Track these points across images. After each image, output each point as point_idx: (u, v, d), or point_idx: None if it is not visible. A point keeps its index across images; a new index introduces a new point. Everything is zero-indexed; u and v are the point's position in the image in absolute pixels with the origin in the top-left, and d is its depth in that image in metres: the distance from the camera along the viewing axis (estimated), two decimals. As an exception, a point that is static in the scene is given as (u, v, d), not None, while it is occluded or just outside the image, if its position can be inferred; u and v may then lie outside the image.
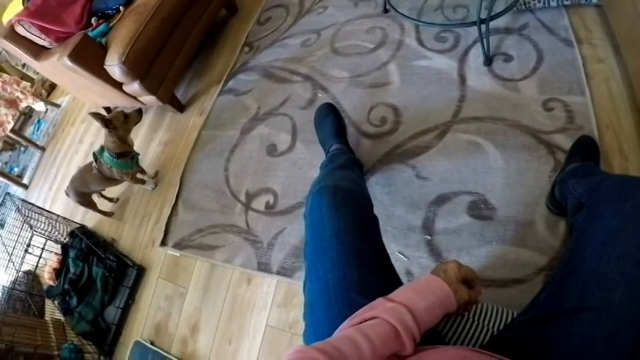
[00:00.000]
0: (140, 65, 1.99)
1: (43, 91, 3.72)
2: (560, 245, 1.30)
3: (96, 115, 1.69)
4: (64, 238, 2.21)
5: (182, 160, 2.12)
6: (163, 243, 1.91)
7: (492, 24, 1.71)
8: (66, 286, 2.03)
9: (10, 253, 1.95)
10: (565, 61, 1.62)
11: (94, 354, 1.79)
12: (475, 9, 1.61)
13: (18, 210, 2.11)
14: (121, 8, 2.14)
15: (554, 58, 1.65)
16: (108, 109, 2.67)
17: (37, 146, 3.27)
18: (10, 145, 3.60)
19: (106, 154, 1.84)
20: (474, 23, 1.65)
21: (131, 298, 1.87)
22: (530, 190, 1.42)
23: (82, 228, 2.24)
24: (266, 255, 1.66)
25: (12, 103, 3.01)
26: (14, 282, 2.08)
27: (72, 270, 2.05)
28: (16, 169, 3.44)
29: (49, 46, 2.19)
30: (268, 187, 1.82)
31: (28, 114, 3.82)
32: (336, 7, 2.27)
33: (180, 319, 1.72)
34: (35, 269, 1.89)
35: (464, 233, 1.42)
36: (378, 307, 0.65)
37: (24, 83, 3.12)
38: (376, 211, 1.41)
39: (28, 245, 1.79)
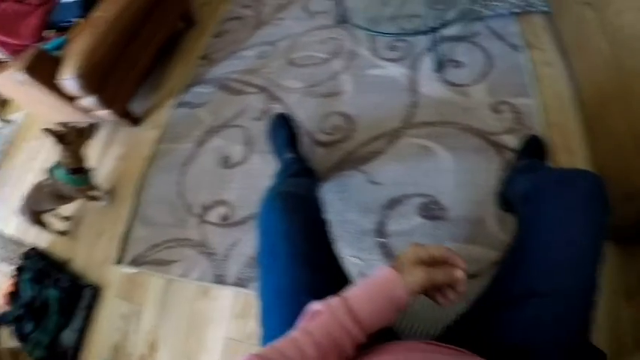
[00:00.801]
0: (95, 79, 1.96)
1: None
2: (510, 240, 1.29)
3: (49, 131, 1.65)
4: (18, 260, 2.12)
5: (137, 174, 2.09)
6: (119, 261, 1.86)
7: (444, 32, 1.77)
8: (20, 311, 1.93)
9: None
10: (514, 66, 1.68)
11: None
12: (429, 20, 1.65)
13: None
14: (78, 21, 2.10)
15: (503, 63, 1.70)
16: (63, 125, 2.60)
17: None
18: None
19: (60, 170, 1.80)
20: (425, 32, 1.68)
21: (87, 319, 1.80)
22: (480, 189, 1.44)
23: (35, 249, 2.17)
24: (222, 267, 1.64)
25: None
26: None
27: (26, 293, 1.96)
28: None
29: (4, 59, 2.15)
30: (223, 199, 1.81)
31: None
32: (293, 19, 2.31)
33: (138, 337, 1.67)
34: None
35: (416, 234, 1.44)
36: (326, 304, 0.63)
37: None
38: (330, 217, 1.41)
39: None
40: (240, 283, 1.56)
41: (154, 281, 1.75)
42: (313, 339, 0.58)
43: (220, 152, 1.94)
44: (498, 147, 1.50)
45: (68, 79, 1.89)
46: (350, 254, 1.46)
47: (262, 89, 2.06)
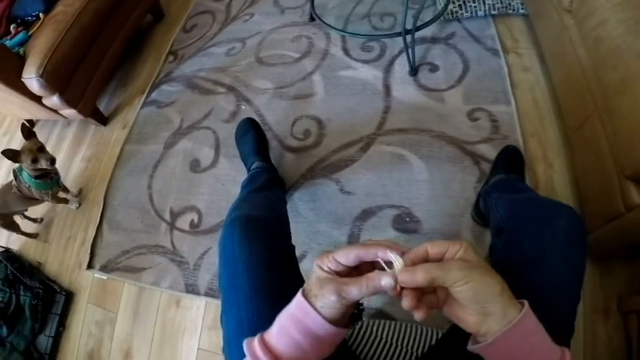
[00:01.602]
0: (59, 78, 1.74)
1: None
2: (486, 255, 1.18)
3: (4, 153, 1.48)
4: None
5: (106, 177, 1.88)
6: (90, 266, 1.69)
7: (419, 33, 1.59)
8: None
9: None
10: (491, 71, 1.54)
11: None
12: (402, 20, 1.49)
13: None
14: (41, 15, 1.86)
15: (479, 67, 1.56)
16: (31, 122, 2.42)
17: None
18: None
19: (25, 173, 1.61)
20: (399, 34, 1.58)
21: (62, 325, 1.67)
22: (455, 201, 1.35)
23: (7, 252, 1.96)
24: (193, 276, 1.48)
25: None
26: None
27: None
28: None
29: None
30: (192, 205, 1.62)
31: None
32: (263, 15, 2.09)
33: (112, 345, 1.54)
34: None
35: None
36: (250, 347, 0.51)
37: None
38: (301, 227, 1.30)
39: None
40: (211, 293, 1.42)
41: (126, 288, 1.60)
42: None
43: (189, 155, 1.74)
44: (474, 157, 1.37)
45: (30, 79, 1.67)
46: None
47: (231, 89, 1.85)
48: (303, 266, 1.31)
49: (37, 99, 1.83)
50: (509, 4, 1.66)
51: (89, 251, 1.72)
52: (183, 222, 1.61)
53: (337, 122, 1.61)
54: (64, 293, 1.70)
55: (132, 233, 1.68)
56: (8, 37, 1.85)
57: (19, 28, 1.90)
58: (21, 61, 1.73)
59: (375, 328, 0.89)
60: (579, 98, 1.21)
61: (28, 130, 1.55)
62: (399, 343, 0.85)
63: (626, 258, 1.16)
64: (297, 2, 2.06)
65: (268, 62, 1.89)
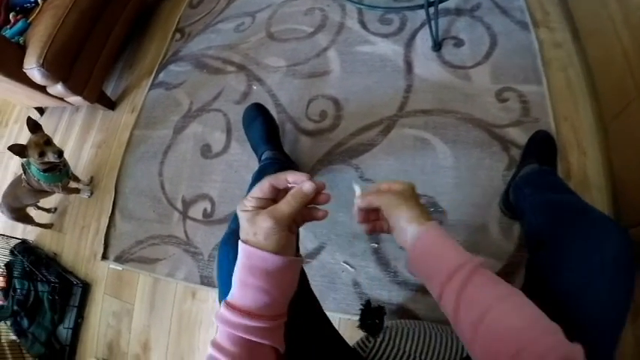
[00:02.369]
0: (61, 66, 1.67)
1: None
2: (514, 249, 1.13)
3: (11, 148, 1.44)
4: (6, 256, 1.95)
5: (116, 164, 1.82)
6: (104, 256, 1.66)
7: (442, 5, 1.44)
8: (15, 307, 1.81)
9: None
10: (520, 46, 1.38)
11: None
12: None
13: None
14: (40, 1, 1.79)
15: (508, 42, 1.40)
16: (40, 109, 2.33)
17: None
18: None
19: (33, 166, 1.57)
20: (421, 6, 1.44)
21: (80, 317, 1.67)
22: (482, 190, 1.24)
23: (24, 243, 1.97)
24: (208, 268, 1.43)
25: None
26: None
27: (18, 290, 1.83)
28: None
29: None
30: (205, 194, 1.55)
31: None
32: None
33: (130, 336, 1.53)
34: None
35: None
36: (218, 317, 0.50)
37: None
38: None
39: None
40: None
41: (141, 279, 1.57)
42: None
43: (200, 140, 1.65)
44: (503, 141, 1.24)
45: (32, 69, 1.61)
46: (341, 260, 1.25)
47: (241, 68, 1.73)
48: (322, 258, 1.26)
49: (42, 88, 1.77)
50: None
51: (103, 242, 1.69)
52: (196, 211, 1.54)
53: (355, 102, 1.49)
54: (80, 285, 1.68)
55: (145, 223, 1.63)
56: (8, 27, 1.79)
57: (19, 16, 1.84)
58: (21, 51, 1.67)
59: (397, 341, 0.82)
60: (619, 83, 1.07)
61: (33, 123, 1.50)
62: (423, 358, 0.79)
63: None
64: (310, -30, 1.89)
65: (280, 38, 1.76)
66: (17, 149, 1.44)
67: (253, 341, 0.48)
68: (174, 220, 1.57)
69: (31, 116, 1.55)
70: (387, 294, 1.20)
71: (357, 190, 0.67)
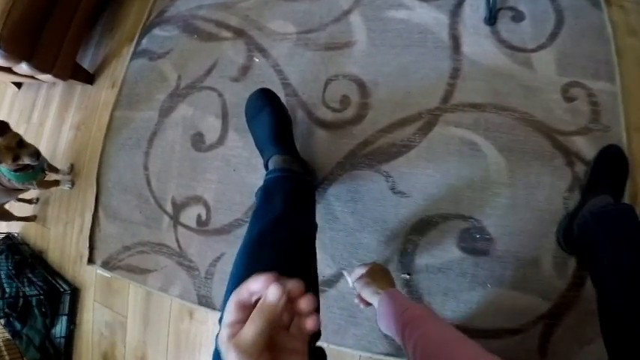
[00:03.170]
0: (21, 43, 1.38)
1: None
2: (566, 288, 0.97)
3: None
4: None
5: (97, 150, 1.55)
6: (90, 260, 1.47)
7: None
8: (6, 310, 1.68)
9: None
10: (591, 29, 1.08)
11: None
12: None
13: None
14: None
15: (576, 21, 1.09)
16: (17, 83, 2.00)
17: None
18: None
19: (2, 167, 1.35)
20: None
21: (72, 323, 1.53)
22: (539, 216, 1.01)
23: (8, 238, 1.79)
24: (205, 286, 1.24)
25: None
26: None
27: (7, 291, 1.70)
28: None
29: None
30: (198, 196, 1.30)
31: None
32: None
33: (126, 350, 1.40)
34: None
35: (452, 272, 1.03)
36: None
37: None
38: (338, 237, 1.14)
39: None
40: None
41: (132, 290, 1.40)
42: None
43: (190, 127, 1.37)
44: (567, 154, 1.01)
45: None
46: None
47: (240, 33, 1.39)
48: (341, 288, 1.05)
49: (7, 68, 1.49)
50: None
51: (88, 243, 1.49)
52: (189, 217, 1.32)
53: (387, 87, 1.19)
54: (68, 292, 1.54)
55: (131, 225, 1.42)
56: None
57: None
58: None
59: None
60: None
61: (1, 125, 1.29)
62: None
63: None
64: None
65: None
66: None
67: None
68: (164, 226, 1.34)
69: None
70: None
71: (348, 279, 0.98)
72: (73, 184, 1.60)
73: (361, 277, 0.92)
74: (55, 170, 1.56)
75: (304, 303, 0.38)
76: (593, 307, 0.96)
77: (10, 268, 1.65)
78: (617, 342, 0.68)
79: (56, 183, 1.57)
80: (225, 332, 0.37)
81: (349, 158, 1.16)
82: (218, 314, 1.19)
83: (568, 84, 1.07)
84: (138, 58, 1.57)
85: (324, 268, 1.11)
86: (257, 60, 1.33)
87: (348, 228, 1.11)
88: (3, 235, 1.77)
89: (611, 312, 0.71)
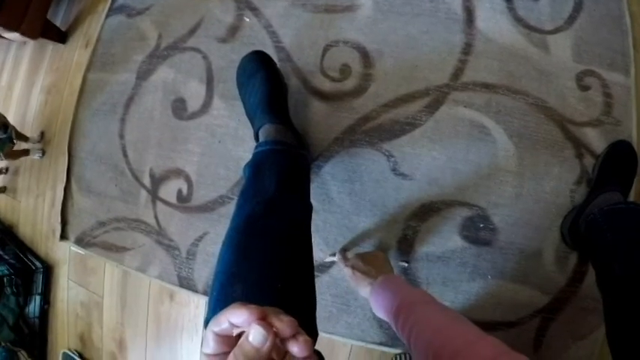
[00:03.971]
0: None
1: None
2: (565, 284, 0.96)
3: None
4: None
5: (69, 116, 1.41)
6: (63, 236, 1.36)
7: None
8: None
9: None
10: (609, 17, 1.03)
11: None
12: None
13: None
14: None
15: (596, 7, 1.03)
16: None
17: None
18: None
19: None
20: None
21: (46, 303, 1.45)
22: (545, 207, 0.98)
23: None
24: (187, 267, 1.16)
25: None
26: None
27: None
28: None
29: None
30: (179, 169, 1.20)
31: None
32: None
33: (103, 332, 1.33)
34: None
35: (452, 262, 1.00)
36: None
37: None
38: (333, 218, 1.08)
39: None
40: None
41: (108, 269, 1.31)
42: None
43: (171, 91, 1.24)
44: (578, 145, 0.97)
45: None
46: None
47: None
48: (334, 274, 1.05)
49: None
50: None
51: (60, 218, 1.38)
52: (168, 191, 1.22)
53: (392, 58, 1.10)
54: (41, 270, 1.46)
55: (106, 199, 1.31)
56: None
57: None
58: None
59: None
60: None
61: None
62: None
63: None
64: None
65: None
66: None
67: None
68: (142, 201, 1.24)
69: None
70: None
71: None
72: (43, 153, 1.47)
73: (357, 260, 0.89)
74: (25, 139, 1.44)
75: (297, 348, 0.32)
76: (588, 303, 0.96)
77: None
78: (625, 346, 0.65)
79: (25, 152, 1.45)
80: None
81: (348, 134, 1.08)
82: (200, 297, 1.15)
83: (583, 72, 1.03)
84: (114, 14, 1.40)
85: (317, 252, 1.04)
86: (247, 20, 1.20)
87: (343, 210, 1.04)
88: None
89: (622, 312, 0.68)
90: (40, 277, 1.44)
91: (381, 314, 0.74)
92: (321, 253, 1.05)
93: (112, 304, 1.32)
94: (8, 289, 1.49)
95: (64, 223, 1.36)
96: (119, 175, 1.28)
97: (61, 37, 1.50)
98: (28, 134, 1.45)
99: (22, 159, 1.49)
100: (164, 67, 1.27)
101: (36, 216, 1.49)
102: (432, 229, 1.01)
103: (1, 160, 1.36)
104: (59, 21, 1.53)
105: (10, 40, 1.44)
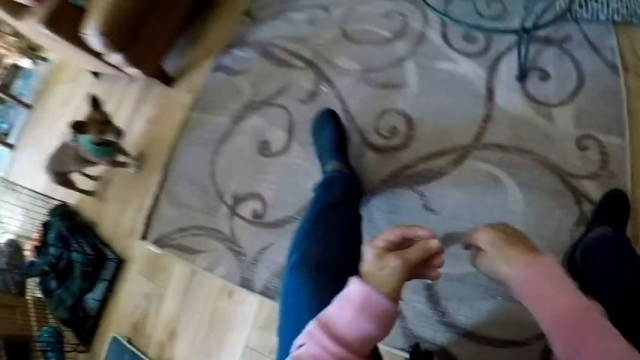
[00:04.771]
0: (122, 35, 1.67)
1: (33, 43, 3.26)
2: None
3: (72, 125, 1.48)
4: (46, 215, 2.02)
5: (167, 143, 1.83)
6: (144, 237, 1.70)
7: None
8: (45, 268, 1.88)
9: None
10: (608, 91, 1.34)
11: (73, 342, 1.69)
12: (514, 10, 1.30)
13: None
14: None
15: (596, 84, 1.35)
16: (96, 73, 2.35)
17: (24, 104, 2.96)
18: (-3, 100, 3.27)
19: (84, 138, 1.58)
20: (514, 31, 1.37)
21: (110, 290, 1.71)
22: (547, 244, 1.21)
23: (64, 206, 2.04)
24: (250, 270, 1.46)
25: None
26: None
27: (51, 251, 1.89)
28: (4, 126, 3.21)
29: (29, 4, 1.81)
30: (257, 193, 1.57)
31: (15, 69, 3.41)
32: None
33: (157, 321, 1.58)
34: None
35: (468, 283, 1.22)
36: (307, 333, 0.54)
37: (9, 38, 2.84)
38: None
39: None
40: (267, 293, 1.40)
41: (178, 267, 1.60)
42: None
43: (259, 135, 1.66)
44: (577, 194, 1.22)
45: (91, 36, 1.61)
46: None
47: (310, 64, 1.71)
48: None
49: (97, 55, 1.78)
50: (636, 11, 1.40)
51: (145, 221, 1.72)
52: (246, 209, 1.57)
53: (429, 124, 1.47)
54: (114, 261, 1.73)
55: (190, 211, 1.66)
56: None
57: None
58: (80, 13, 1.66)
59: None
60: None
61: (94, 100, 1.54)
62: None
63: None
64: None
65: (355, 38, 1.73)
66: (77, 126, 1.48)
67: None
68: (221, 215, 1.60)
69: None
70: (432, 333, 1.21)
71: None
72: (138, 169, 1.86)
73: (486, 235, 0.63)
74: (126, 153, 1.82)
75: (438, 260, 0.58)
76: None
77: (63, 229, 1.86)
78: None
79: (124, 164, 1.83)
80: (381, 242, 0.55)
81: (392, 177, 1.42)
82: (255, 297, 1.41)
83: (582, 136, 1.31)
84: (217, 71, 1.91)
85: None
86: (324, 89, 1.65)
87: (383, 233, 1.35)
88: (59, 203, 2.01)
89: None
90: (112, 265, 1.70)
91: (537, 310, 0.56)
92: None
93: (175, 296, 1.57)
94: (78, 270, 1.74)
95: (147, 226, 1.70)
96: (205, 193, 1.65)
97: (168, 81, 1.99)
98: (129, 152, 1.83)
99: (118, 169, 1.85)
100: (255, 116, 1.71)
101: (120, 218, 1.81)
102: (452, 254, 1.27)
103: (105, 164, 1.71)
104: (168, 68, 2.01)
105: (125, 74, 1.89)
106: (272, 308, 1.39)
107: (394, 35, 1.67)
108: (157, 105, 2.03)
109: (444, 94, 1.50)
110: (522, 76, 1.43)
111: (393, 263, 0.53)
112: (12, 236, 2.17)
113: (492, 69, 1.48)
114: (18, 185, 2.05)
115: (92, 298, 1.71)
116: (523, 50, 1.39)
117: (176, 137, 1.83)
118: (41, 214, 2.01)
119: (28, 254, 2.00)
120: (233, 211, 1.58)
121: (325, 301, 0.57)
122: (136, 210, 1.80)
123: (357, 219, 1.07)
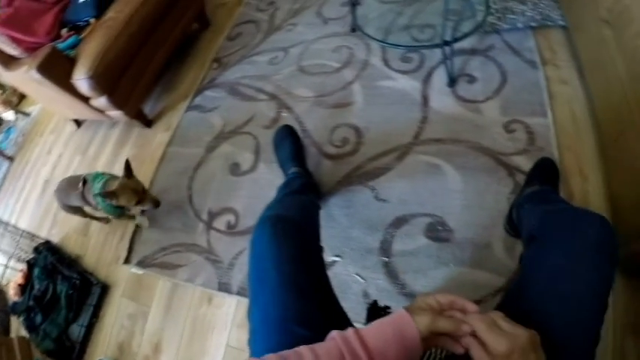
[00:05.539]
0: (108, 80, 1.94)
1: (15, 98, 3.52)
2: (516, 266, 1.27)
3: (105, 195, 1.56)
4: (29, 254, 2.14)
5: (148, 176, 2.06)
6: (127, 260, 1.85)
7: (458, 45, 1.71)
8: (30, 303, 1.95)
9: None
10: (529, 83, 1.60)
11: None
12: (444, 32, 1.59)
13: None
14: (92, 20, 2.08)
15: (517, 79, 1.63)
16: (77, 122, 2.63)
17: (5, 156, 3.12)
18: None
19: (99, 185, 1.65)
20: (438, 45, 1.64)
21: (95, 316, 1.80)
22: (488, 212, 1.39)
23: (47, 243, 2.16)
24: (226, 275, 1.61)
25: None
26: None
27: (36, 286, 1.98)
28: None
29: (19, 56, 2.09)
30: (230, 207, 1.77)
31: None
32: (306, 25, 2.25)
33: (143, 338, 1.67)
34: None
35: (421, 255, 1.39)
36: (340, 333, 0.61)
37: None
38: (334, 232, 1.46)
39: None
40: (243, 292, 1.53)
41: (160, 284, 1.73)
42: (316, 355, 0.57)
43: (230, 159, 1.89)
44: (509, 168, 1.43)
45: (80, 80, 1.86)
46: (353, 272, 1.42)
47: (273, 97, 2.00)
48: (335, 270, 1.42)
49: (85, 100, 2.02)
50: (549, 15, 1.71)
51: (127, 247, 1.87)
52: (220, 222, 1.76)
53: (375, 131, 1.72)
54: (99, 285, 1.83)
55: (170, 231, 1.84)
56: (60, 41, 2.06)
57: (70, 33, 2.12)
58: (72, 63, 1.93)
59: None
60: (617, 111, 1.26)
61: (128, 167, 1.63)
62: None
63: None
64: (340, 13, 2.22)
65: (309, 71, 2.04)
66: (110, 195, 1.56)
67: None
68: (199, 231, 1.78)
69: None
70: (395, 304, 1.31)
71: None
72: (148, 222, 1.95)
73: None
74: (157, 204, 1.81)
75: (466, 340, 0.59)
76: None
77: (48, 262, 1.96)
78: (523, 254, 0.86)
79: (132, 217, 1.94)
80: (430, 300, 0.62)
81: (346, 178, 1.64)
82: (234, 298, 1.56)
83: (509, 121, 1.55)
84: (191, 110, 2.21)
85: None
86: (284, 115, 1.92)
87: (342, 226, 1.52)
88: (43, 241, 2.13)
89: (525, 234, 0.93)
90: (98, 290, 1.80)
91: None
92: (325, 256, 1.47)
93: (157, 312, 1.68)
94: (64, 302, 1.81)
95: (130, 250, 1.86)
96: (183, 214, 1.84)
97: (147, 122, 2.26)
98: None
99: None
100: (226, 144, 1.97)
101: (103, 248, 1.95)
102: (404, 234, 1.45)
103: (109, 219, 1.87)
104: (147, 111, 2.29)
105: (111, 117, 2.13)
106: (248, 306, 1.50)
107: (342, 65, 1.99)
108: (137, 145, 2.27)
109: (386, 106, 1.77)
110: (452, 82, 1.69)
111: (425, 317, 0.59)
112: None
113: (426, 80, 1.76)
114: (3, 223, 2.19)
115: (78, 324, 1.79)
116: (449, 60, 1.65)
117: (155, 170, 2.06)
118: (26, 253, 2.13)
119: (12, 295, 2.08)
120: (209, 226, 1.77)
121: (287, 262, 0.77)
122: (118, 239, 1.96)
123: (314, 203, 1.26)
